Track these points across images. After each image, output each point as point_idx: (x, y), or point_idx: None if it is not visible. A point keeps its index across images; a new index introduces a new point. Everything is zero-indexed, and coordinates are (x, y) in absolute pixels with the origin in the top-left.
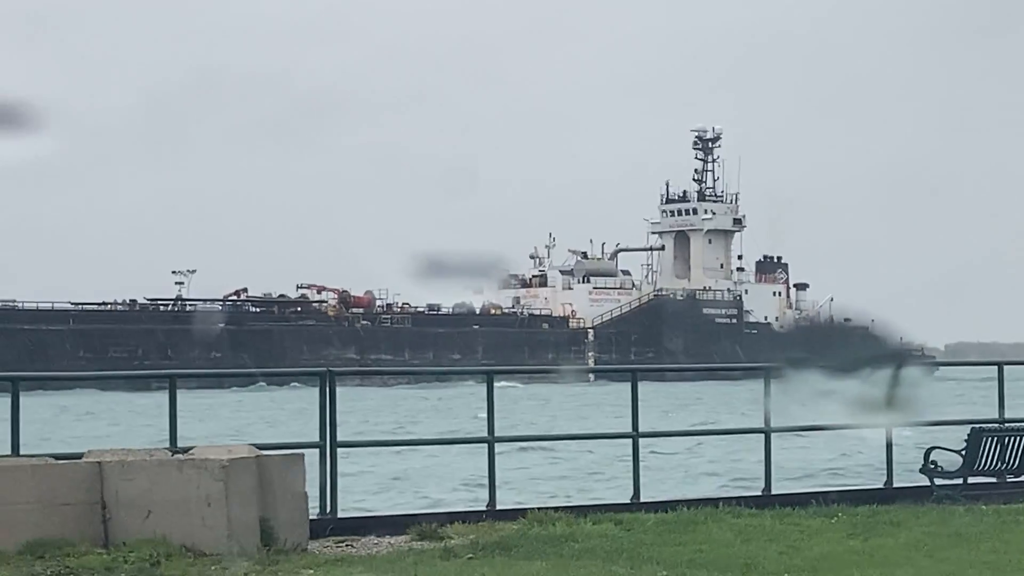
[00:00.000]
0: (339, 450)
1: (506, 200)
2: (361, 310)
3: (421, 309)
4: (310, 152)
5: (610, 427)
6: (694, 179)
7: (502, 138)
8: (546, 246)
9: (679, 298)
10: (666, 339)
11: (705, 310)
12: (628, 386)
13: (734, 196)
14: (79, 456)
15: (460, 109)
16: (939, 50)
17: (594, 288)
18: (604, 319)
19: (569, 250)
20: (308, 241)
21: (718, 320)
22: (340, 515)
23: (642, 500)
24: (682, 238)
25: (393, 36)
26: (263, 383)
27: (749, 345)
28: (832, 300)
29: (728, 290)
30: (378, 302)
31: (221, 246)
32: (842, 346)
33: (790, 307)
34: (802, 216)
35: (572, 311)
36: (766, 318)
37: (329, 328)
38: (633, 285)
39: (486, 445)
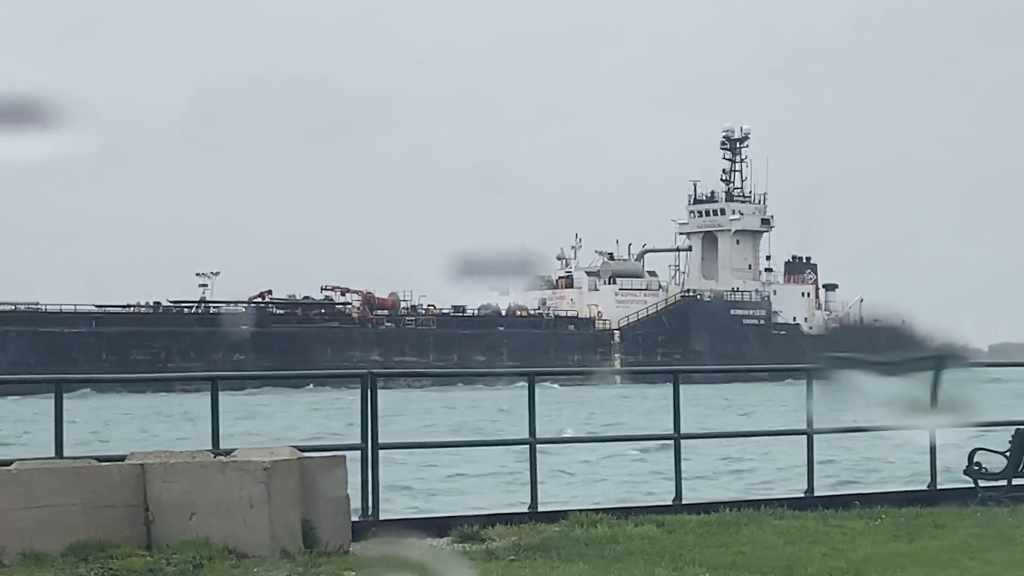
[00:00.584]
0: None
1: (535, 201)
2: (386, 312)
3: (446, 311)
4: (349, 155)
5: (638, 428)
6: (722, 179)
7: (534, 139)
8: (572, 247)
9: (706, 299)
10: (693, 340)
11: (733, 311)
12: (656, 388)
13: (762, 196)
14: (122, 458)
15: (496, 111)
16: (974, 48)
17: (620, 289)
18: (630, 320)
19: (596, 251)
20: (338, 243)
21: (746, 321)
22: (382, 517)
23: (684, 502)
24: (710, 239)
25: (432, 39)
26: (311, 386)
27: (777, 346)
28: (862, 301)
29: (756, 291)
30: (403, 304)
31: (251, 248)
32: (879, 347)
33: (819, 308)
34: (832, 216)
35: (598, 312)
36: (795, 319)
37: (353, 330)
38: (660, 286)
39: (528, 447)
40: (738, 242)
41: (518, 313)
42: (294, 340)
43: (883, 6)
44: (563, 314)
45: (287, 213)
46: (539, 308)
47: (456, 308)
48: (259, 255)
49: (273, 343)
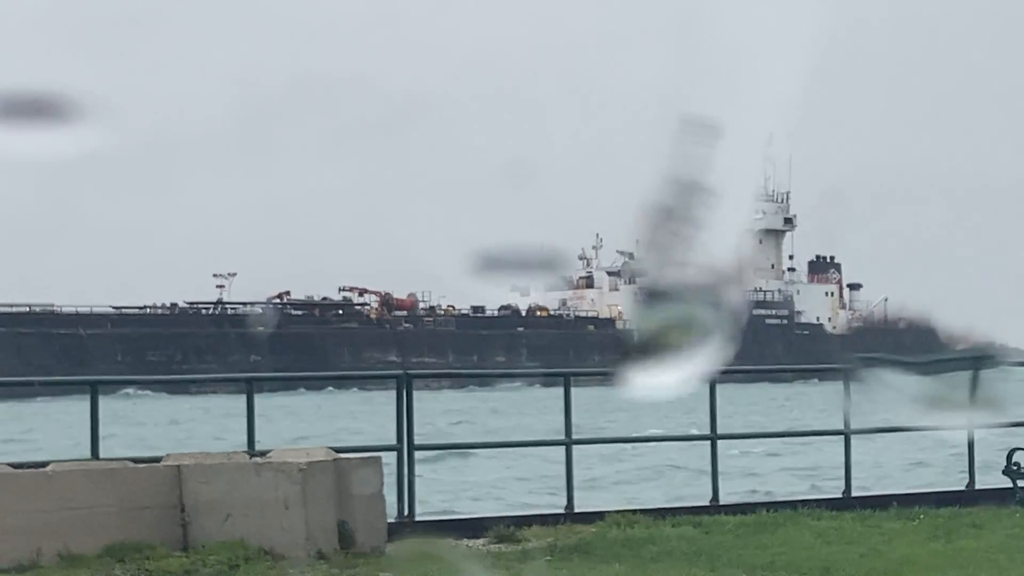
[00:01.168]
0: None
1: (558, 200)
2: (404, 312)
3: (465, 311)
4: (384, 156)
5: (667, 428)
6: None
7: (562, 139)
8: (593, 247)
9: None
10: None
11: (755, 311)
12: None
13: (785, 195)
14: (158, 460)
15: (528, 111)
16: (1006, 45)
17: (641, 289)
18: None
19: (617, 251)
20: (363, 244)
21: (768, 321)
22: (418, 518)
23: (721, 503)
24: None
25: (468, 41)
26: (330, 388)
27: (800, 346)
28: (887, 300)
29: (779, 291)
30: (421, 304)
31: (274, 248)
32: (904, 347)
33: (843, 307)
34: (857, 215)
35: (619, 312)
36: (818, 319)
37: (371, 331)
38: None
39: (564, 447)
40: (760, 241)
41: (538, 313)
42: (311, 341)
43: (913, 2)
44: (583, 314)
45: (318, 213)
46: (559, 308)
47: (476, 308)
48: (282, 255)
49: (290, 344)
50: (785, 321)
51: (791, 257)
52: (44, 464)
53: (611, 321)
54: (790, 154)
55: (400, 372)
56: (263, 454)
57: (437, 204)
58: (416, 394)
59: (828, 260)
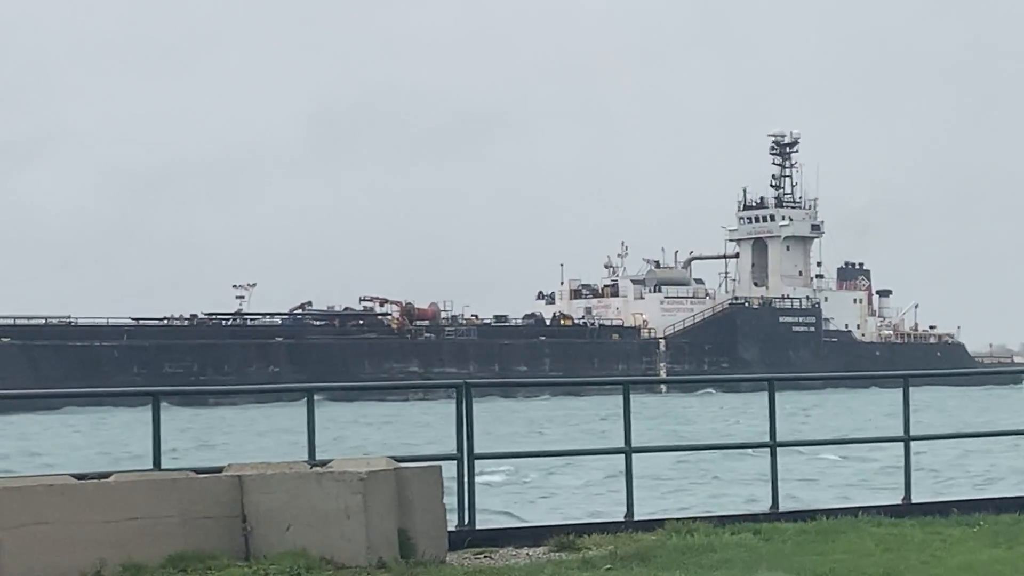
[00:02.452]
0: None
1: (586, 207)
2: (426, 322)
3: (487, 320)
4: (456, 166)
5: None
6: (772, 185)
7: (599, 147)
8: (619, 255)
9: (754, 306)
10: (741, 348)
11: (782, 318)
12: (703, 398)
13: (812, 202)
14: (219, 470)
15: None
16: None
17: (666, 297)
18: (676, 329)
19: (643, 259)
20: (412, 255)
21: (795, 329)
22: (478, 527)
23: (781, 510)
24: (760, 245)
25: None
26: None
27: (828, 353)
28: (917, 307)
29: (807, 298)
30: (443, 314)
31: (327, 261)
32: (934, 360)
33: (872, 314)
34: (886, 221)
35: (643, 321)
36: (847, 326)
37: (391, 341)
38: (706, 294)
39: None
40: (788, 248)
41: (562, 322)
42: (330, 352)
43: (943, 12)
44: (608, 323)
45: (384, 222)
46: (584, 317)
47: (498, 318)
48: (346, 269)
49: (309, 355)
50: (812, 328)
51: (819, 264)
52: (107, 475)
53: (636, 330)
54: (818, 161)
55: (460, 382)
56: (324, 464)
57: (491, 214)
58: (438, 404)
59: (857, 267)
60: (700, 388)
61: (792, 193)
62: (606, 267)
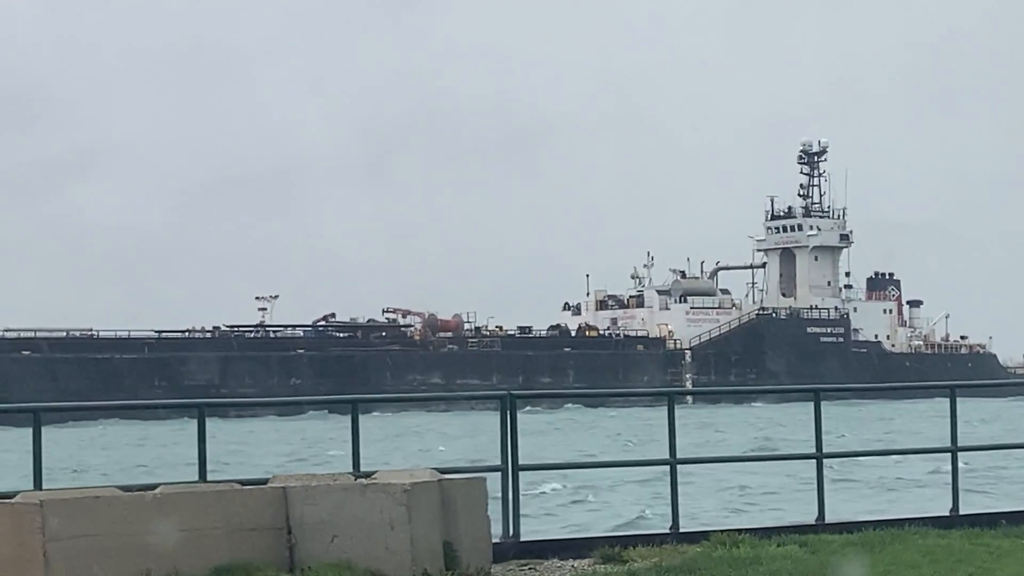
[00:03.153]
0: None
1: (609, 217)
2: (449, 333)
3: (511, 332)
4: (497, 178)
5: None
6: (799, 194)
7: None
8: (644, 265)
9: (782, 317)
10: (768, 359)
11: (810, 329)
12: (728, 409)
13: (841, 211)
14: (264, 481)
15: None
16: None
17: (692, 308)
18: (702, 339)
19: (670, 269)
20: (464, 266)
21: (823, 339)
22: (523, 538)
23: (827, 521)
24: (788, 255)
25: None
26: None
27: (857, 365)
28: (948, 317)
29: (836, 308)
30: (466, 325)
31: (351, 272)
32: (965, 370)
33: (902, 325)
34: (917, 231)
35: (669, 331)
36: (876, 336)
37: (414, 353)
38: (733, 304)
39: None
40: (816, 258)
41: (587, 333)
42: (352, 363)
43: (982, 19)
44: (633, 334)
45: (410, 237)
46: (609, 328)
47: (522, 329)
48: (371, 279)
49: (331, 367)
50: (841, 339)
51: (848, 274)
52: (153, 487)
53: (661, 340)
54: (846, 169)
55: (504, 392)
56: (368, 475)
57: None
58: (462, 416)
59: (887, 277)
60: (723, 400)
61: (820, 202)
62: (632, 277)
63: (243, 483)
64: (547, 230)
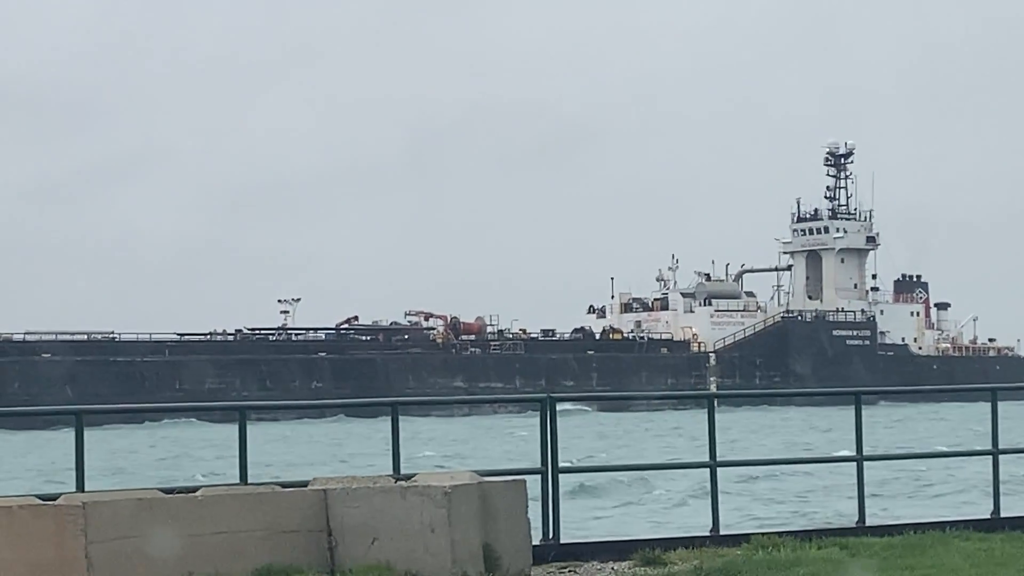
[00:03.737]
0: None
1: (634, 220)
2: (472, 336)
3: (535, 335)
4: (533, 181)
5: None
6: (826, 196)
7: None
8: (669, 268)
9: (807, 319)
10: (793, 362)
11: (835, 332)
12: (754, 412)
13: (868, 213)
14: (304, 484)
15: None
16: None
17: (716, 311)
18: (727, 342)
19: (695, 272)
20: (496, 268)
21: (850, 342)
22: (562, 541)
23: (867, 524)
24: (814, 257)
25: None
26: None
27: (884, 367)
28: (976, 320)
29: (862, 311)
30: (489, 328)
31: (375, 274)
32: (993, 374)
33: (930, 327)
34: (945, 232)
35: (693, 334)
36: (903, 339)
37: (436, 356)
38: (758, 307)
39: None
40: (843, 261)
41: (611, 336)
42: (373, 367)
43: (1008, 22)
44: (657, 337)
45: (438, 239)
46: (633, 331)
47: (546, 332)
48: (393, 283)
49: (353, 370)
50: (867, 342)
51: (874, 276)
52: (195, 489)
53: (685, 343)
54: (873, 171)
55: (544, 395)
56: (408, 478)
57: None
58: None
59: (914, 279)
60: (746, 403)
61: (847, 205)
62: (657, 280)
63: (283, 485)
64: (572, 233)
